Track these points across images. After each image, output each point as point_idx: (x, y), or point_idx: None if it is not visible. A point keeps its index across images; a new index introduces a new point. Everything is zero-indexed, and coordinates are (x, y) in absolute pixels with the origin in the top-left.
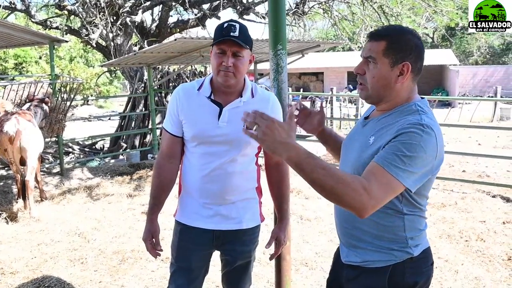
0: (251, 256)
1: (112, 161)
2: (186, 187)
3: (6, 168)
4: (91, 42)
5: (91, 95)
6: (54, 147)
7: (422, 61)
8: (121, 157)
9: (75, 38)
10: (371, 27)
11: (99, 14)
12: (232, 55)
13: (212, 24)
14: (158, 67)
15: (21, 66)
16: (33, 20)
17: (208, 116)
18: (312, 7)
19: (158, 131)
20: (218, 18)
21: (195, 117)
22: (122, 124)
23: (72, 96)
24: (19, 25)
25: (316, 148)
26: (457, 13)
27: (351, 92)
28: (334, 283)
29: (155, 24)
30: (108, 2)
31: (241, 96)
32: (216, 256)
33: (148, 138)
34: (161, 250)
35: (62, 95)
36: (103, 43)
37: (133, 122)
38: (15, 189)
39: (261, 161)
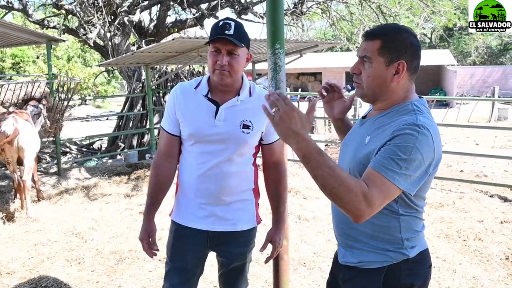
0: (247, 258)
1: (110, 161)
2: (183, 186)
3: (3, 168)
4: (88, 41)
5: (89, 95)
6: (51, 147)
7: (418, 60)
8: (118, 157)
9: (73, 37)
10: (369, 27)
11: (97, 13)
12: (227, 54)
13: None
14: (156, 67)
15: (18, 66)
16: (30, 19)
17: (205, 115)
18: (310, 7)
19: (156, 131)
20: (216, 17)
21: (191, 116)
22: (120, 124)
23: (69, 95)
24: (17, 24)
25: None
26: (455, 14)
27: (349, 92)
28: (333, 283)
29: (153, 24)
30: (106, 2)
31: (238, 95)
32: (213, 256)
33: (146, 138)
34: (158, 250)
35: (60, 95)
36: (101, 43)
37: (131, 122)
38: (12, 189)
39: (259, 161)
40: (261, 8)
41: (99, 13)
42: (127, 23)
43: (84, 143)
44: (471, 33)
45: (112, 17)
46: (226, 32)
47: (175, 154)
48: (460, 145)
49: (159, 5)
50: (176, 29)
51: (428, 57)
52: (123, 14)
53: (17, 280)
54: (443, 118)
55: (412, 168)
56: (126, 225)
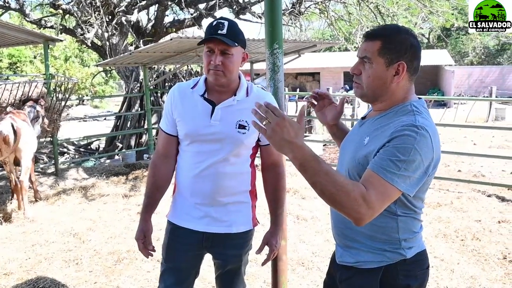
0: (242, 260)
1: (108, 161)
2: (179, 186)
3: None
4: (86, 41)
5: (87, 95)
6: (49, 147)
7: (418, 61)
8: (116, 157)
9: (70, 37)
10: (367, 27)
11: (94, 13)
12: (220, 54)
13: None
14: (154, 67)
15: (15, 66)
16: (27, 19)
17: (201, 114)
18: (308, 7)
19: (154, 131)
20: (214, 17)
21: (188, 115)
22: (118, 124)
23: (67, 96)
24: (14, 24)
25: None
26: (452, 14)
27: (347, 92)
28: (330, 283)
29: (150, 24)
30: (104, 1)
31: (235, 95)
32: (211, 257)
33: (144, 138)
34: (154, 250)
35: (57, 95)
36: (99, 43)
37: (129, 122)
38: (9, 190)
39: (258, 161)
40: (259, 8)
41: (97, 13)
42: (125, 23)
43: (82, 143)
44: (468, 33)
45: (110, 17)
46: (219, 31)
47: (172, 154)
48: (457, 145)
49: (157, 5)
50: (174, 29)
51: (426, 57)
52: (120, 14)
53: (14, 281)
54: (440, 118)
55: (411, 169)
56: (124, 226)
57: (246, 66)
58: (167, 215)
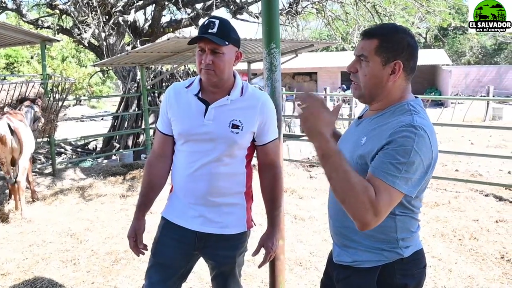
0: (236, 262)
1: (105, 161)
2: (174, 186)
3: None
4: (83, 41)
5: (84, 95)
6: (46, 148)
7: (415, 60)
8: (114, 157)
9: (67, 37)
10: (364, 27)
11: (91, 13)
12: (210, 53)
13: None
14: (151, 67)
15: (12, 66)
16: (24, 19)
17: (194, 114)
18: (305, 7)
19: (151, 131)
20: None
21: (181, 115)
22: (115, 124)
23: (64, 96)
24: (10, 24)
25: (310, 148)
26: (449, 13)
27: (344, 92)
28: (327, 283)
29: (148, 24)
30: (100, 1)
31: (229, 95)
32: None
33: (141, 138)
34: (145, 249)
35: (54, 95)
36: (96, 43)
37: (126, 122)
38: (6, 190)
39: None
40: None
41: (94, 13)
42: (122, 23)
43: (79, 143)
44: (465, 32)
45: (107, 17)
46: (210, 31)
47: (168, 154)
48: (455, 145)
49: (154, 5)
50: (171, 29)
51: (423, 57)
52: (117, 14)
53: (12, 282)
54: (438, 118)
55: (412, 171)
56: (122, 226)
57: (244, 66)
58: (162, 212)
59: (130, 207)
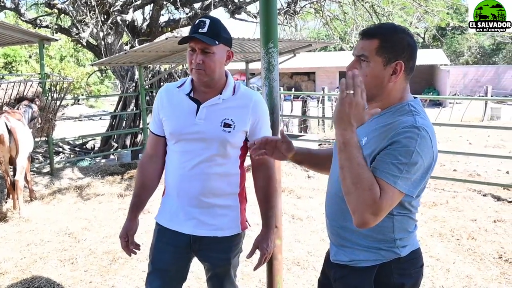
0: (231, 263)
1: (103, 160)
2: (167, 187)
3: None
4: (81, 41)
5: (82, 95)
6: (44, 147)
7: (414, 60)
8: (112, 156)
9: (66, 37)
10: (363, 27)
11: (90, 12)
12: (201, 53)
13: None
14: (149, 66)
15: (10, 65)
16: (22, 18)
17: (186, 113)
18: (303, 6)
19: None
20: None
21: (173, 114)
22: (113, 123)
23: (62, 95)
24: (9, 23)
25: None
26: (448, 13)
27: None
28: (325, 282)
29: (146, 23)
30: (99, 1)
31: (221, 94)
32: None
33: (139, 137)
34: (138, 249)
35: (52, 94)
36: (94, 42)
37: (124, 121)
38: (4, 189)
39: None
40: (254, 8)
41: (92, 12)
42: (120, 22)
43: (77, 142)
44: (464, 32)
45: (105, 16)
46: (200, 30)
47: (160, 154)
48: (453, 145)
49: (152, 4)
50: (169, 29)
51: (421, 57)
52: (116, 13)
53: (9, 281)
54: (436, 118)
55: (413, 171)
56: (119, 225)
57: (242, 65)
58: (155, 216)
59: (128, 206)
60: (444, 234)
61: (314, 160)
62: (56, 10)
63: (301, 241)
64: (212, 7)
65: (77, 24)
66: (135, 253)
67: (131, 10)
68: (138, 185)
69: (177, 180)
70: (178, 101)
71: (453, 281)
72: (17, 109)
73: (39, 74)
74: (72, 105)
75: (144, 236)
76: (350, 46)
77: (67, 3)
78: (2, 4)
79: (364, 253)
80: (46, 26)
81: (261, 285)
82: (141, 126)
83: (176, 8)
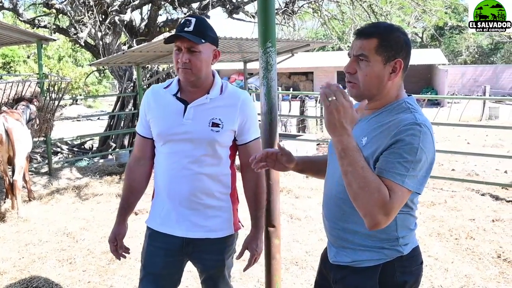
0: (225, 265)
1: (101, 160)
2: (157, 189)
3: None
4: (79, 41)
5: (80, 95)
6: (42, 147)
7: (409, 58)
8: (110, 156)
9: (64, 37)
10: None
11: (88, 12)
12: (187, 52)
13: None
14: (147, 66)
15: (8, 66)
16: (20, 18)
17: (173, 114)
18: (301, 6)
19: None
20: (208, 17)
21: (160, 115)
22: (111, 123)
23: (60, 95)
24: (7, 23)
25: (306, 148)
26: (446, 13)
27: None
28: (322, 283)
29: (144, 23)
30: (97, 1)
31: (208, 93)
32: None
33: None
34: (127, 252)
35: (51, 95)
36: (92, 42)
37: (122, 121)
38: (3, 189)
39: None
40: (252, 8)
41: (90, 12)
42: (118, 22)
43: (75, 142)
44: (462, 32)
45: (103, 16)
46: (186, 29)
47: (148, 157)
48: (451, 144)
49: (150, 4)
50: (168, 29)
51: (419, 57)
52: (114, 13)
53: (8, 281)
54: (434, 117)
55: (418, 168)
56: None
57: (240, 65)
58: (146, 220)
59: None
60: (442, 233)
61: (315, 168)
62: (54, 10)
63: (299, 240)
64: (210, 7)
65: (75, 24)
66: (125, 257)
67: (129, 10)
68: (126, 189)
69: (167, 182)
70: (165, 102)
71: (451, 281)
72: (15, 109)
73: (37, 74)
74: (70, 105)
75: (142, 236)
76: (348, 46)
77: (65, 3)
78: (0, 4)
79: (367, 253)
80: (44, 26)
81: (260, 284)
82: None
83: (174, 8)
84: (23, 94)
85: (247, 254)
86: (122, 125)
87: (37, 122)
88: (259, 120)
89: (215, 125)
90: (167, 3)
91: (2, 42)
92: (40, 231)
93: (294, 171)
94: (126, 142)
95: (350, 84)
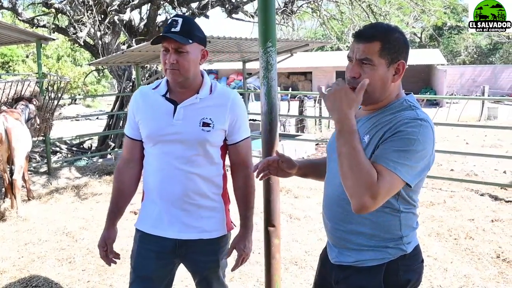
0: (219, 265)
1: (100, 160)
2: (147, 191)
3: None
4: (78, 40)
5: (79, 94)
6: (41, 146)
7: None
8: (109, 156)
9: (63, 36)
10: (360, 27)
11: (87, 12)
12: (174, 52)
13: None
14: (147, 66)
15: (7, 65)
16: (20, 18)
17: (163, 115)
18: (300, 6)
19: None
20: (207, 17)
21: (149, 116)
22: (110, 123)
23: (59, 95)
24: (6, 22)
25: (305, 148)
26: (445, 13)
27: None
28: (322, 284)
29: (143, 23)
30: (96, 1)
31: (198, 93)
32: None
33: None
34: (117, 258)
35: (50, 94)
36: (91, 42)
37: (121, 121)
38: (2, 189)
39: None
40: (251, 7)
41: (89, 12)
42: (117, 22)
43: (74, 142)
44: (461, 32)
45: (102, 16)
46: (173, 29)
47: (136, 159)
48: (450, 144)
49: (149, 4)
50: None
51: (418, 57)
52: (113, 13)
53: (7, 280)
54: (433, 117)
55: (414, 159)
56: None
57: (239, 65)
58: (136, 223)
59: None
60: (441, 233)
61: (318, 171)
62: (53, 10)
63: (298, 240)
64: (209, 6)
65: (74, 24)
66: (115, 263)
67: (128, 9)
68: (115, 192)
69: (158, 183)
70: (154, 102)
71: (451, 281)
72: (15, 108)
73: (36, 73)
74: (69, 104)
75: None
76: (347, 46)
77: (64, 2)
78: (0, 3)
79: (371, 253)
80: (44, 26)
81: (259, 284)
82: None
83: (173, 8)
84: (22, 93)
85: (228, 253)
86: (121, 124)
87: (37, 121)
88: (260, 120)
89: (205, 124)
90: (166, 3)
91: (1, 41)
92: (39, 230)
93: (298, 176)
94: None
95: (353, 89)
